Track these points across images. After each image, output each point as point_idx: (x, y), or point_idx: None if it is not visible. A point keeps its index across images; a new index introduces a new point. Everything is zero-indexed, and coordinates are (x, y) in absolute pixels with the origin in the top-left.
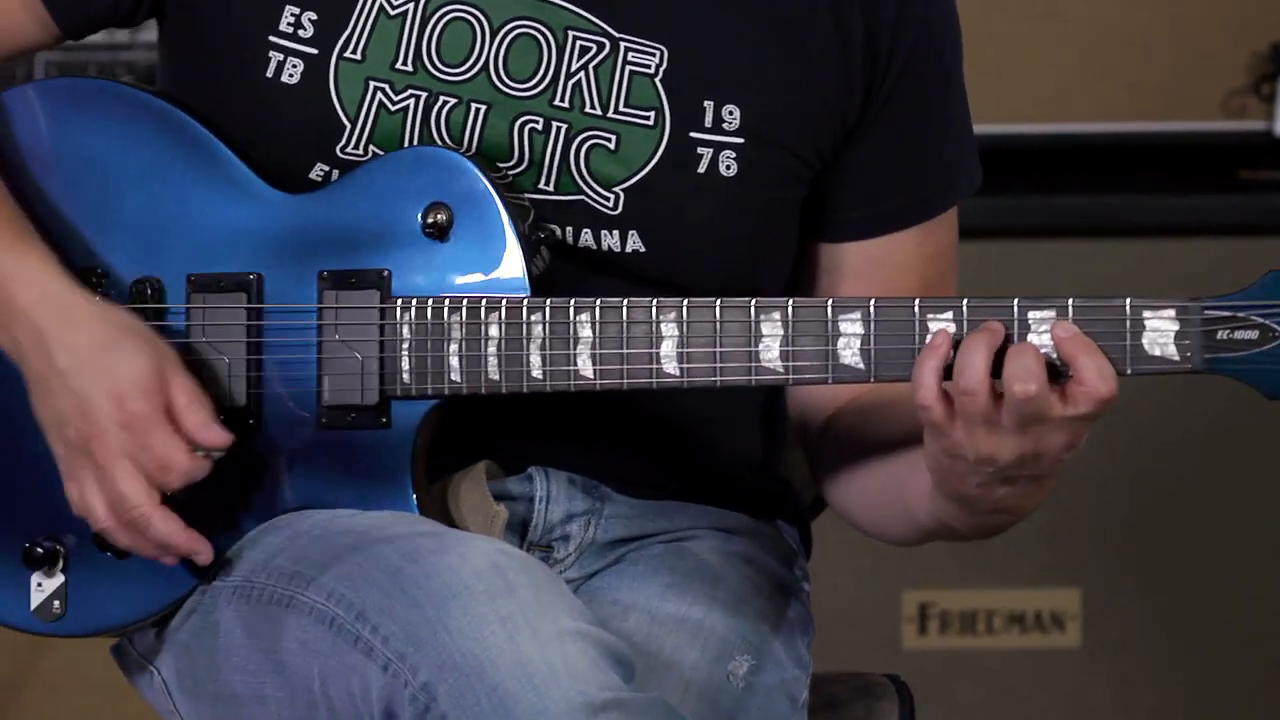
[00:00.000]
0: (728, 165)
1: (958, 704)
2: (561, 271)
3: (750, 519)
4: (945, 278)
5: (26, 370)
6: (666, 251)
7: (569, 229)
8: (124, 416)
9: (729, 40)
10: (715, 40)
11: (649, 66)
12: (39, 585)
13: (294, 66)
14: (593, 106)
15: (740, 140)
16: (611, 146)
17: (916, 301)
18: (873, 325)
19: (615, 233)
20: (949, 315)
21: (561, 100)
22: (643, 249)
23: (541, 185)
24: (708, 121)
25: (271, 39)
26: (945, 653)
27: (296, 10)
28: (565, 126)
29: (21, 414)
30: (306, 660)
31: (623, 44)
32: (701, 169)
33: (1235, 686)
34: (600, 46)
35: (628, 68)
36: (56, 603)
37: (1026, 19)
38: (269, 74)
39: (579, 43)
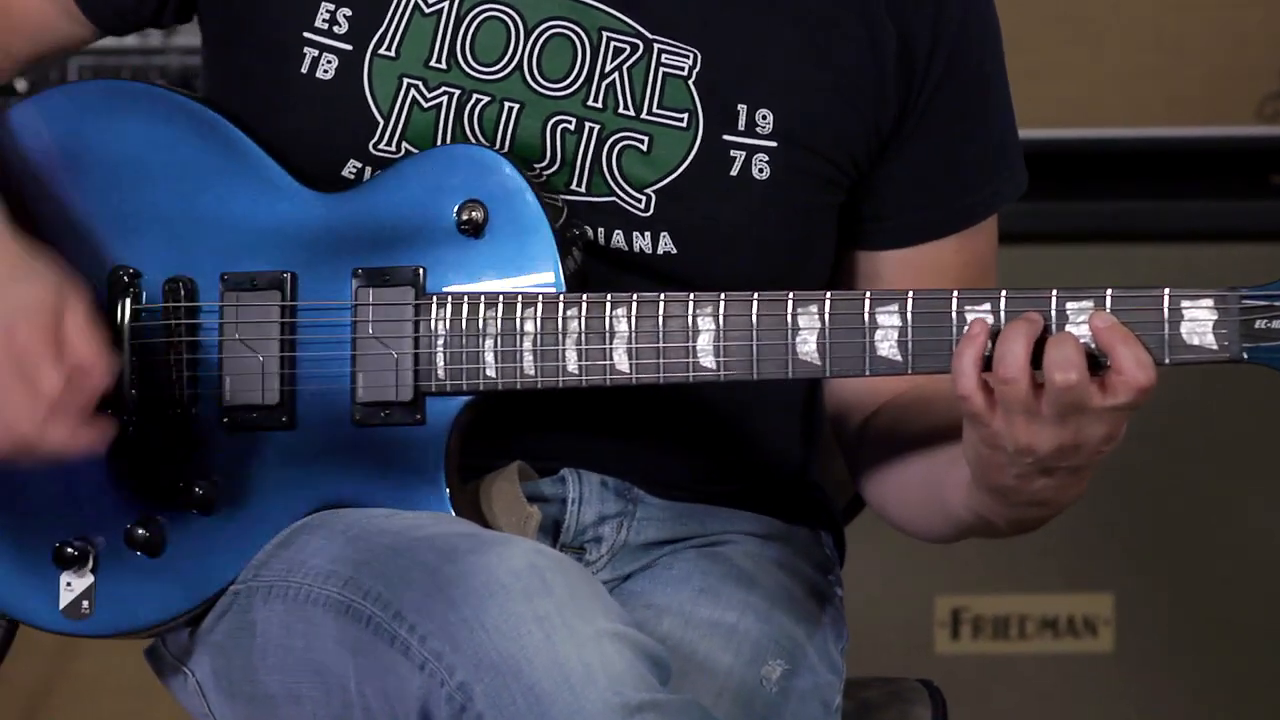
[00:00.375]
0: (760, 169)
1: (990, 709)
2: (594, 272)
3: (784, 524)
4: (985, 282)
5: None
6: (698, 254)
7: (601, 230)
8: (13, 344)
9: (763, 45)
10: (749, 44)
11: (682, 69)
12: (68, 585)
13: (328, 62)
14: (626, 107)
15: (774, 144)
16: (644, 148)
17: (954, 293)
18: (910, 317)
19: (647, 234)
20: (986, 307)
21: (595, 100)
22: (674, 251)
23: (573, 186)
24: (741, 124)
25: (306, 35)
26: (978, 658)
27: (332, 7)
28: (598, 127)
29: None
30: (343, 660)
31: (656, 45)
32: (734, 172)
33: (1269, 691)
34: (634, 48)
35: (661, 69)
36: (85, 603)
37: (1061, 25)
38: (304, 70)
39: (613, 43)
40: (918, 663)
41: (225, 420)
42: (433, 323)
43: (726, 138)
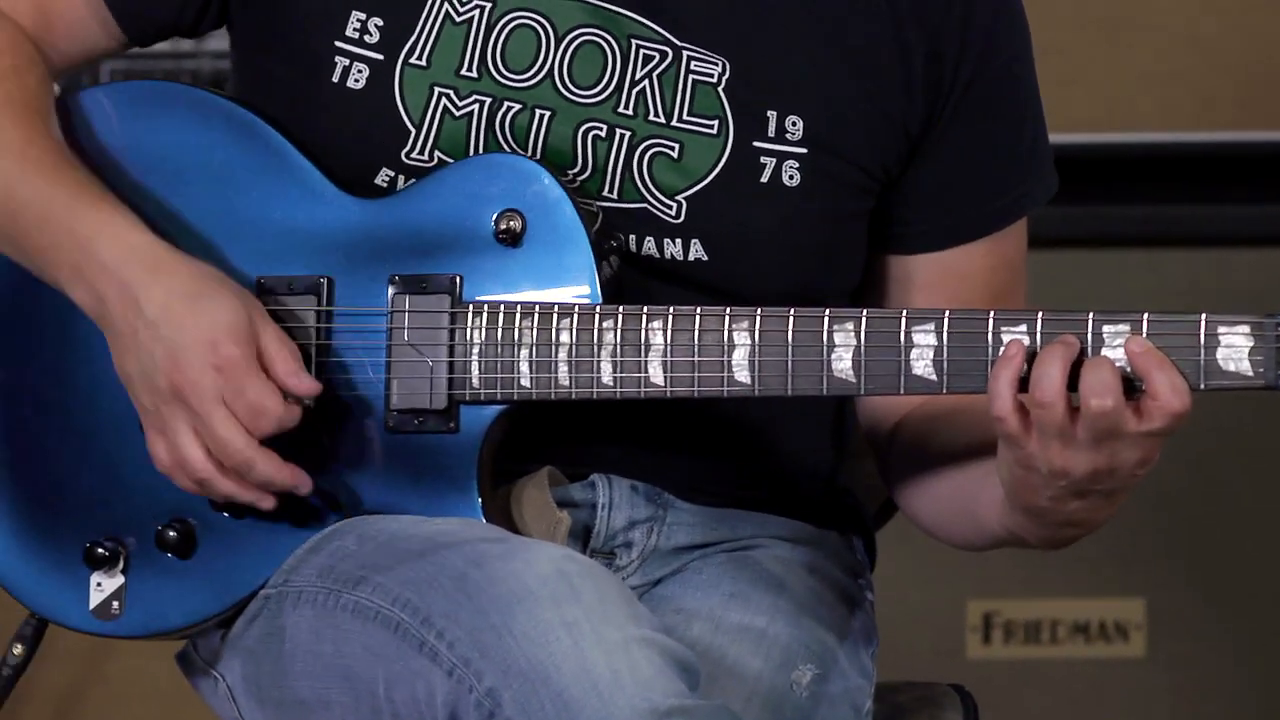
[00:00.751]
0: (790, 175)
1: (1022, 714)
2: (626, 279)
3: (815, 528)
4: (1015, 284)
5: (109, 326)
6: (729, 260)
7: (632, 236)
8: (218, 361)
9: (791, 52)
10: (777, 51)
11: (711, 76)
12: (98, 585)
13: (359, 72)
14: (656, 115)
15: (803, 150)
16: (674, 155)
17: (990, 314)
18: (946, 337)
19: (678, 241)
20: (1023, 328)
21: (625, 108)
22: (705, 258)
23: (605, 193)
24: (771, 131)
25: (338, 44)
26: (1009, 662)
27: (363, 16)
28: (629, 134)
29: (83, 415)
30: (372, 666)
31: (685, 53)
32: (764, 178)
33: None
34: (663, 55)
35: (691, 76)
36: (115, 603)
37: (1093, 28)
38: (335, 79)
39: (642, 51)
40: (949, 667)
41: None
42: (468, 331)
43: (756, 144)
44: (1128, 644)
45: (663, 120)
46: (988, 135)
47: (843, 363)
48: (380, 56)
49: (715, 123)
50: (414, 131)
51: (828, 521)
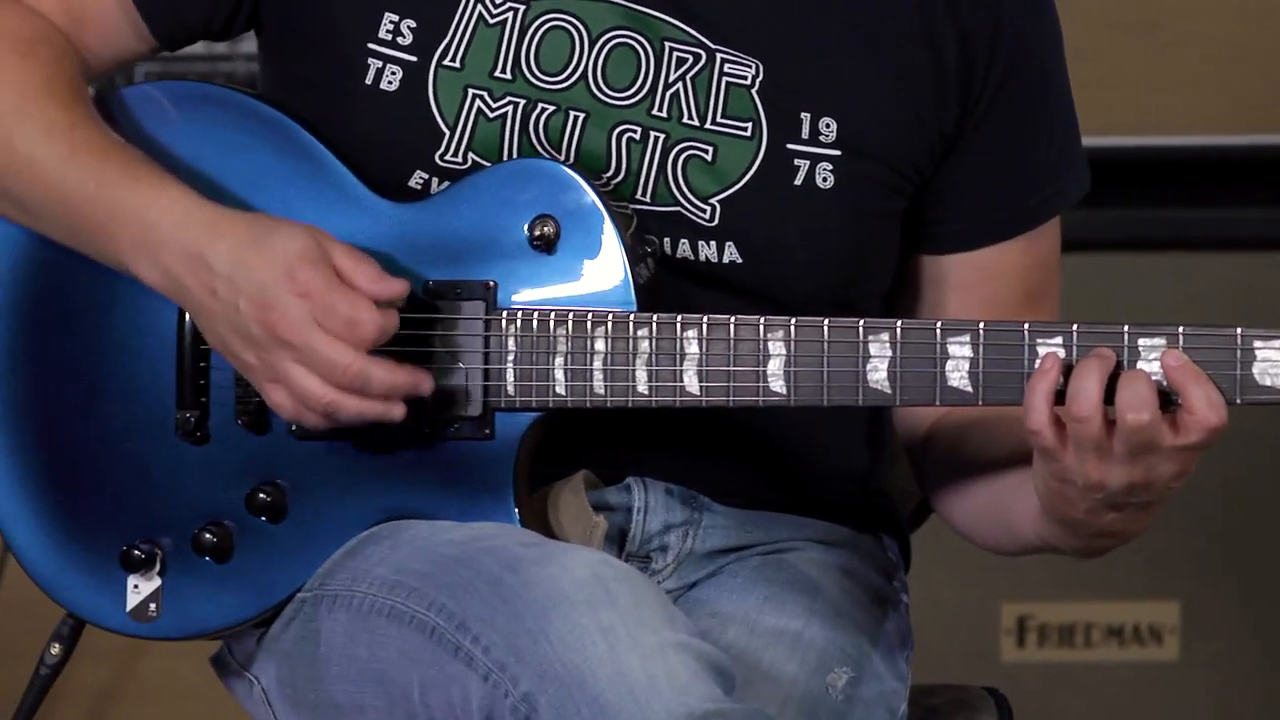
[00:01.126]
0: (824, 177)
1: (1056, 717)
2: (660, 282)
3: (850, 531)
4: (1049, 284)
5: (186, 296)
6: (763, 263)
7: (666, 240)
8: (299, 288)
9: (824, 54)
10: (811, 54)
11: (745, 78)
12: (135, 587)
13: (393, 74)
14: (690, 117)
15: (837, 153)
16: (709, 158)
17: (1026, 326)
18: (982, 349)
19: (712, 244)
20: (1059, 340)
21: (659, 110)
22: (739, 260)
23: (638, 196)
24: (805, 133)
25: (371, 46)
26: (1043, 665)
27: (396, 18)
28: (663, 137)
29: (120, 419)
30: (407, 670)
31: (719, 55)
32: (798, 181)
33: None
34: (697, 58)
35: (724, 79)
36: (152, 605)
37: (1129, 32)
38: (368, 81)
39: (675, 54)
40: (983, 670)
41: (294, 428)
42: (503, 338)
43: (790, 147)
44: (1161, 647)
45: (696, 123)
46: (1020, 134)
47: (878, 374)
48: (413, 58)
49: (749, 125)
50: (448, 133)
51: (863, 524)
